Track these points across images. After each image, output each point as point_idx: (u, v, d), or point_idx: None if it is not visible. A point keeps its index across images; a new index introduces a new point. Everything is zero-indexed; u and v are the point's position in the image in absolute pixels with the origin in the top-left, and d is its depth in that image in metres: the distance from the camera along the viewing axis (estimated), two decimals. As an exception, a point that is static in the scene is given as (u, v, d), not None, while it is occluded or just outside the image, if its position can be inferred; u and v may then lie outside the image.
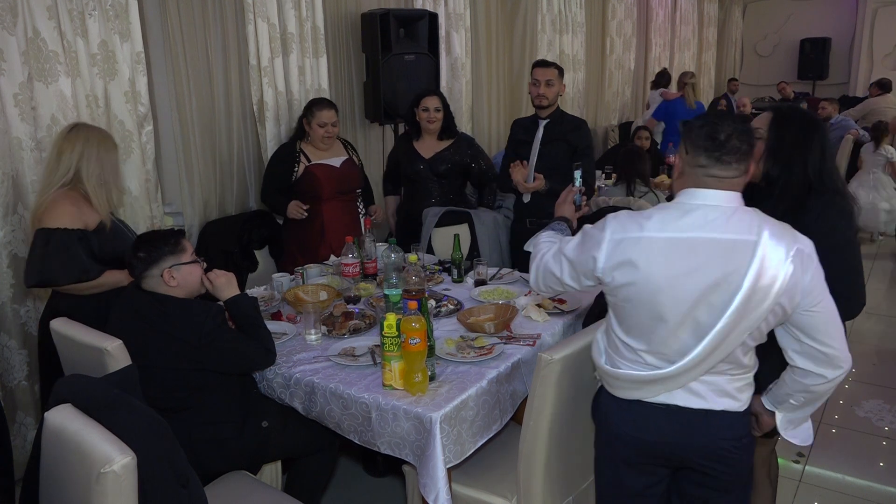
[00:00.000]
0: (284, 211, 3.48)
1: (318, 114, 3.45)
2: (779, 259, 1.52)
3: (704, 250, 1.55)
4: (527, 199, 3.53)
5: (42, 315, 2.58)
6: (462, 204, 3.81)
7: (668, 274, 1.57)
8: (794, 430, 1.78)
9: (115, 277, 2.44)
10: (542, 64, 3.53)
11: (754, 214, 1.58)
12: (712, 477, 1.73)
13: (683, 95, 6.33)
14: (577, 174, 2.39)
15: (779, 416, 1.77)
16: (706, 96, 10.44)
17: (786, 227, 1.58)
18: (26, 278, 2.41)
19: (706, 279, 1.55)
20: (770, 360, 1.72)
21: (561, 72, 3.52)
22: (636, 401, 1.72)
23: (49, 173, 2.47)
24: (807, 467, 2.95)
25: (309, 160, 3.49)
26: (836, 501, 2.75)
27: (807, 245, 1.57)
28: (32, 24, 2.74)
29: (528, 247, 2.04)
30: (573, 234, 1.94)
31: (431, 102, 3.68)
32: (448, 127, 3.74)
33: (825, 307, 1.59)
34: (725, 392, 1.67)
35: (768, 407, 1.78)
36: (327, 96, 3.99)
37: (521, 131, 3.62)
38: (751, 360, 1.68)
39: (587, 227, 1.74)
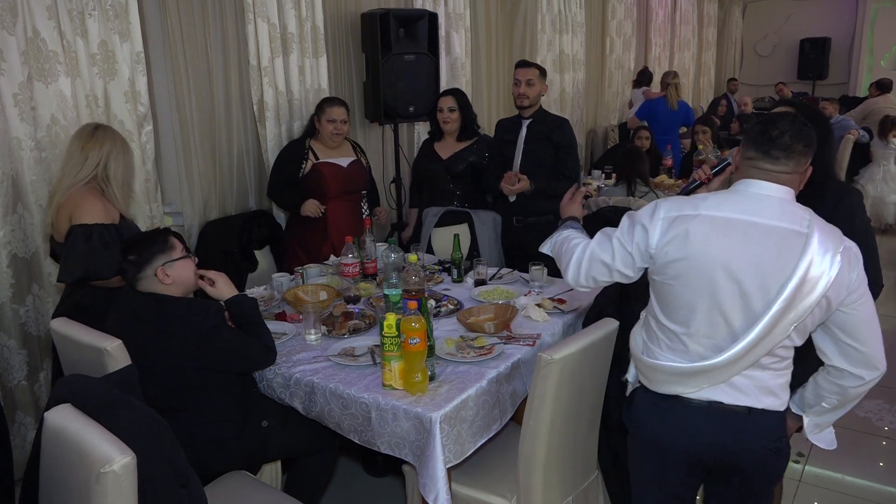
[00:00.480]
0: (293, 207, 3.51)
1: (328, 110, 3.49)
2: (828, 254, 1.53)
3: (760, 234, 1.56)
4: (512, 198, 3.57)
5: (56, 310, 2.61)
6: (479, 205, 3.81)
7: (723, 251, 1.56)
8: (820, 433, 1.79)
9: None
10: (523, 64, 3.58)
11: (805, 211, 1.60)
12: (748, 480, 1.71)
13: (665, 95, 6.30)
14: (581, 176, 2.37)
15: (806, 421, 1.78)
16: (706, 96, 10.45)
17: (834, 229, 1.60)
18: (65, 274, 2.47)
19: (760, 263, 1.55)
20: (801, 364, 1.72)
21: (542, 72, 3.55)
22: (676, 401, 1.68)
23: (73, 171, 2.53)
24: (807, 467, 2.95)
25: (317, 158, 3.52)
26: (836, 501, 2.75)
27: (854, 246, 1.59)
28: (32, 23, 2.74)
29: (545, 249, 2.02)
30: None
31: (445, 102, 3.74)
32: (466, 127, 3.77)
33: (866, 307, 1.60)
34: (769, 389, 1.65)
35: (795, 411, 1.78)
36: (327, 96, 4.00)
37: (504, 132, 3.66)
38: (791, 357, 1.67)
39: (632, 212, 1.72)
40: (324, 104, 3.54)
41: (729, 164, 2.19)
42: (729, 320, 1.58)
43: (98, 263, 2.43)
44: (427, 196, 3.90)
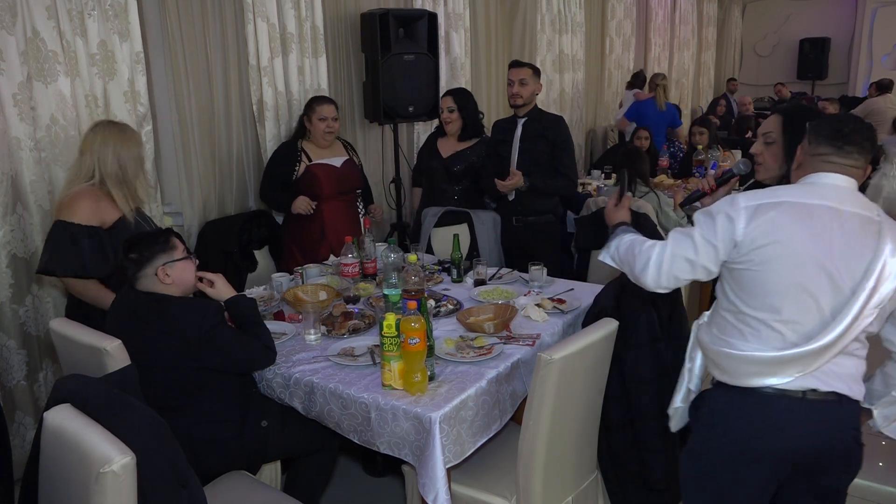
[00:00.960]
0: (286, 208, 3.48)
1: (318, 108, 3.49)
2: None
3: (842, 219, 1.59)
4: (511, 196, 3.57)
5: (67, 305, 2.65)
6: (478, 206, 3.81)
7: (810, 235, 1.58)
8: (890, 425, 1.80)
9: (98, 294, 2.48)
10: (516, 64, 3.60)
11: (869, 201, 1.66)
12: (832, 477, 1.69)
13: (654, 97, 6.35)
14: (625, 179, 2.33)
15: (876, 413, 1.79)
16: (705, 96, 10.44)
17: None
18: (39, 266, 2.51)
19: (845, 246, 1.57)
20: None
21: (535, 71, 3.57)
22: (767, 393, 1.63)
23: (74, 171, 2.55)
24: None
25: (310, 159, 3.51)
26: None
27: None
28: (31, 23, 2.74)
29: (604, 258, 2.00)
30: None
31: (445, 103, 3.77)
32: (467, 128, 3.77)
33: None
34: (855, 377, 1.65)
35: (864, 404, 1.76)
36: (315, 95, 4.00)
37: (500, 132, 3.68)
38: (867, 346, 1.69)
39: (706, 208, 1.73)
40: (313, 103, 3.53)
41: (734, 175, 2.18)
42: (819, 304, 1.59)
43: (53, 261, 2.43)
44: (425, 193, 3.89)
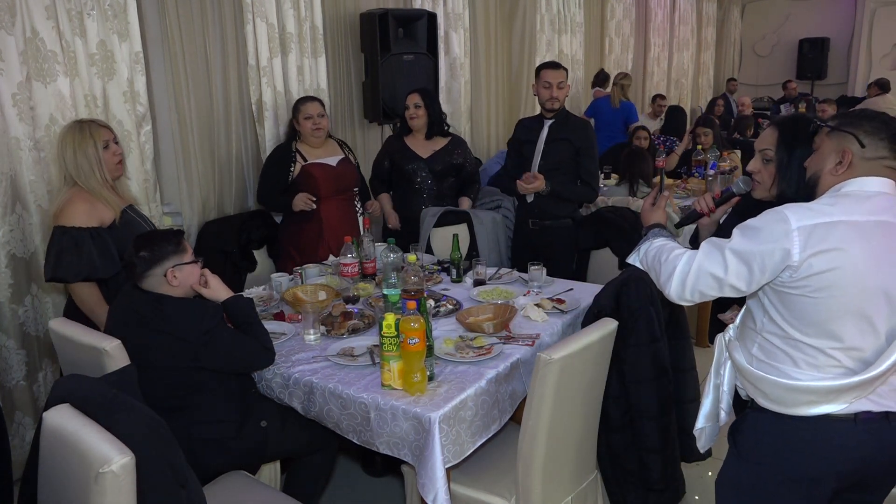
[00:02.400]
0: (286, 208, 3.47)
1: (301, 108, 3.48)
2: None
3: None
4: (530, 199, 3.55)
5: (65, 306, 2.65)
6: (455, 204, 3.81)
7: (872, 257, 1.50)
8: None
9: (95, 308, 2.48)
10: (553, 66, 3.52)
11: None
12: (879, 492, 1.65)
13: (610, 94, 6.58)
14: (663, 177, 2.25)
15: None
16: (705, 96, 10.45)
17: None
18: (45, 273, 2.51)
19: None
20: None
21: (567, 73, 3.55)
22: (821, 420, 1.55)
23: (57, 178, 2.59)
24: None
25: (305, 160, 3.49)
26: (834, 501, 2.76)
27: None
28: (31, 23, 2.74)
29: (633, 260, 1.91)
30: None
31: (411, 99, 3.73)
32: (433, 125, 3.74)
33: None
34: None
35: None
36: (326, 96, 4.01)
37: (524, 132, 3.63)
38: None
39: (751, 221, 1.60)
40: (297, 104, 3.53)
41: (734, 195, 2.09)
42: (876, 328, 1.52)
43: (61, 268, 2.42)
44: (399, 193, 3.83)
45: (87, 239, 2.44)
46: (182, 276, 2.13)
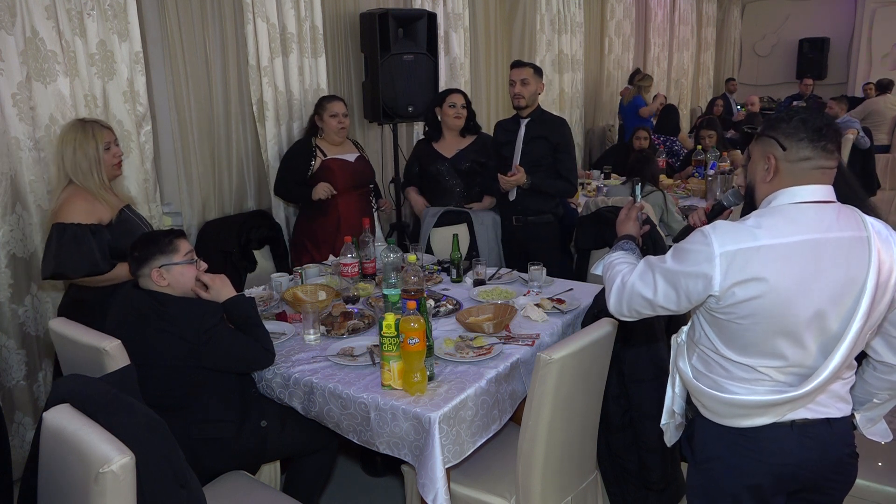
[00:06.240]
0: (305, 198, 3.55)
1: (328, 106, 3.58)
2: (890, 251, 1.48)
3: (827, 252, 1.46)
4: (512, 196, 3.58)
5: (60, 304, 2.64)
6: (477, 200, 3.85)
7: (797, 281, 1.45)
8: (873, 427, 1.75)
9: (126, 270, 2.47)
10: (517, 64, 3.61)
11: (852, 210, 1.53)
12: (827, 496, 1.65)
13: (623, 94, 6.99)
14: (637, 189, 2.28)
15: (858, 417, 1.74)
16: (705, 96, 10.44)
17: (878, 219, 1.54)
18: (42, 270, 2.50)
19: (834, 282, 1.45)
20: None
21: (537, 71, 3.58)
22: (752, 430, 1.56)
23: (55, 178, 2.58)
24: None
25: (325, 155, 3.59)
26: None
27: None
28: (31, 23, 2.74)
29: (596, 270, 1.92)
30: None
31: (458, 99, 3.79)
32: (469, 123, 3.82)
33: None
34: (841, 396, 1.57)
35: None
36: (325, 95, 4.00)
37: (503, 132, 3.69)
38: (854, 363, 1.61)
39: (681, 243, 1.57)
40: (323, 101, 3.62)
41: (724, 208, 2.07)
42: (807, 347, 1.49)
43: (63, 264, 2.44)
44: (429, 195, 3.89)
45: (87, 235, 2.45)
46: (171, 277, 2.13)
